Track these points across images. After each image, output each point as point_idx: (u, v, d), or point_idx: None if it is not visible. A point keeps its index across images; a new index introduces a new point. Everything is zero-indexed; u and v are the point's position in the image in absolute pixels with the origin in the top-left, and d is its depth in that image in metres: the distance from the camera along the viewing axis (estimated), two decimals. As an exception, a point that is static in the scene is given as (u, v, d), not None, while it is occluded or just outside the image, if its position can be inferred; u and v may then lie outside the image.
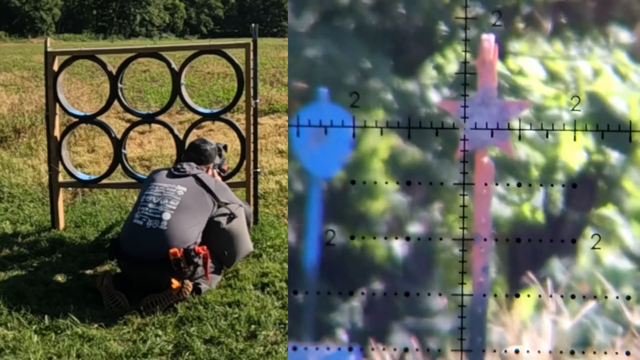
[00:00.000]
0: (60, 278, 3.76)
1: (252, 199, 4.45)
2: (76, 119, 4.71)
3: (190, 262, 3.43)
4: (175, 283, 3.34)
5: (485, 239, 2.19)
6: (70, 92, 7.86)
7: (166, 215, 3.53)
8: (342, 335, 2.18)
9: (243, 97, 4.43)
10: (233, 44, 4.87)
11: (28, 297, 3.47)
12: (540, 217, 2.20)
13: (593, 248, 2.19)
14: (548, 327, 2.18)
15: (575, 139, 2.19)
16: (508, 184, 2.20)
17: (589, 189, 2.20)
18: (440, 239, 2.19)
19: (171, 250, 3.41)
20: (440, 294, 2.19)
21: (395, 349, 2.18)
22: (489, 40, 2.19)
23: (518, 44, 2.21)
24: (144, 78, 10.62)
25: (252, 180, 4.45)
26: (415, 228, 2.19)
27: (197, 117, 4.73)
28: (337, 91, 2.17)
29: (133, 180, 4.66)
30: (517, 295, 2.19)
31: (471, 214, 2.19)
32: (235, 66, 4.42)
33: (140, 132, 6.93)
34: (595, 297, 2.20)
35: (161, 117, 4.70)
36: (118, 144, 4.60)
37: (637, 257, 2.20)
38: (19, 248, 4.27)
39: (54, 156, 4.61)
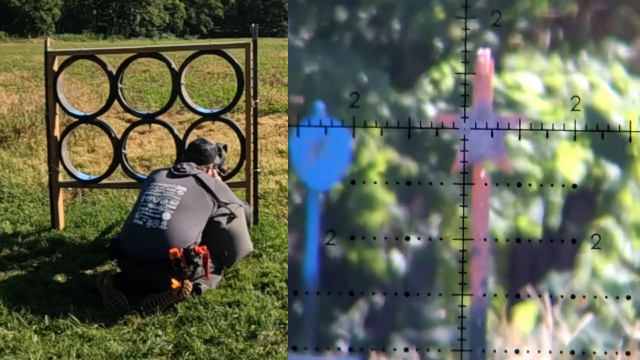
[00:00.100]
0: (60, 278, 3.76)
1: (252, 199, 4.45)
2: (76, 119, 4.71)
3: (190, 262, 3.44)
4: (175, 283, 3.34)
5: (483, 251, 2.19)
6: (70, 92, 7.86)
7: (166, 215, 3.53)
8: (343, 347, 2.18)
9: (243, 97, 4.43)
10: (233, 44, 4.87)
11: (28, 297, 3.47)
12: (538, 230, 2.21)
13: (591, 259, 2.20)
14: (547, 340, 2.18)
15: (572, 153, 2.20)
16: (505, 197, 2.20)
17: (587, 203, 2.21)
18: (439, 250, 2.19)
19: (171, 250, 3.41)
20: (440, 305, 2.19)
21: None
22: (484, 55, 2.20)
23: (515, 58, 2.21)
24: (144, 78, 10.62)
25: (252, 180, 4.45)
26: (414, 240, 2.20)
27: (197, 117, 4.73)
28: (335, 105, 2.19)
29: (133, 180, 4.66)
30: (517, 306, 2.20)
31: (469, 226, 2.19)
32: (235, 66, 4.42)
33: (140, 132, 6.92)
34: (593, 309, 2.20)
35: (161, 117, 4.70)
36: (118, 144, 4.60)
37: (637, 269, 2.20)
38: (19, 248, 4.27)
39: (54, 156, 4.60)
